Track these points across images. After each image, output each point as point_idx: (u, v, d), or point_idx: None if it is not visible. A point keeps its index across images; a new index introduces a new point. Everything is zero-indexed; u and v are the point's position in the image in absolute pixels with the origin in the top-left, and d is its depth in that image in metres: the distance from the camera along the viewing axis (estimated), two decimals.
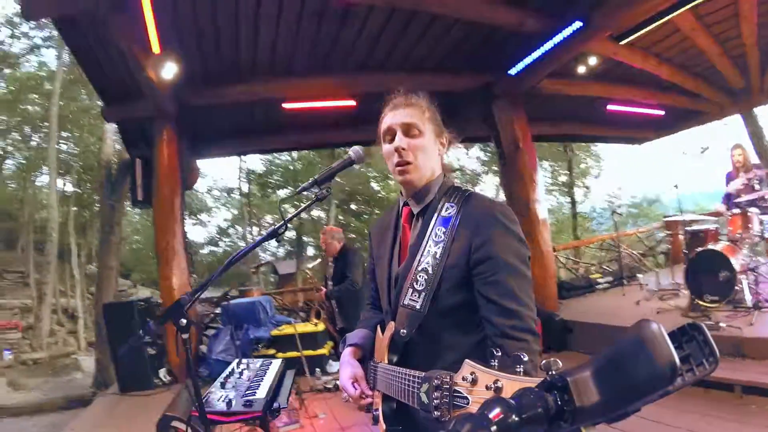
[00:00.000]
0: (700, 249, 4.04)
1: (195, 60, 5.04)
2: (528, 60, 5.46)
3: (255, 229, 24.02)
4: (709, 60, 6.55)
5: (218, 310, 6.64)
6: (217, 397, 2.08)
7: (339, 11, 4.66)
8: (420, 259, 1.11)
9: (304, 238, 22.58)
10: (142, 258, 24.32)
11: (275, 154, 20.47)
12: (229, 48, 5.06)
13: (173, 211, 5.49)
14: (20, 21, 14.08)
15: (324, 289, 4.21)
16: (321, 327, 5.39)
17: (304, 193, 1.32)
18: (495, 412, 0.53)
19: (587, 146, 18.67)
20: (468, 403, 0.68)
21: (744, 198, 4.12)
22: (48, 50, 15.60)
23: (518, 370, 0.61)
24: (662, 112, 8.06)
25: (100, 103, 7.03)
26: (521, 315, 1.02)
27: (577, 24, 4.71)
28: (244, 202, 22.70)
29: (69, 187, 17.15)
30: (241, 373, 2.45)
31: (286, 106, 6.08)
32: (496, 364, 0.66)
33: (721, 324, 3.40)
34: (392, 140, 1.19)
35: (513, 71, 5.80)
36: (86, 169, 16.42)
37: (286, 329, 5.39)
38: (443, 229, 1.11)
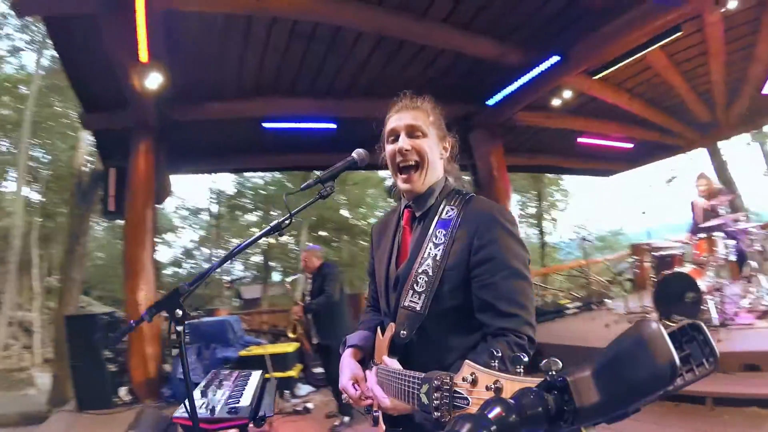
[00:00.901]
0: (667, 272, 4.18)
1: (180, 73, 5.00)
2: (507, 91, 5.69)
3: (221, 251, 23.56)
4: (678, 95, 6.96)
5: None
6: (199, 404, 1.98)
7: (328, 36, 4.76)
8: (420, 261, 1.11)
9: (271, 263, 22.16)
10: (104, 275, 23.33)
11: (247, 177, 20.34)
12: (215, 65, 5.07)
13: (145, 224, 5.35)
14: (3, 22, 13.68)
15: (301, 304, 4.17)
16: (291, 348, 5.28)
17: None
18: (495, 413, 0.52)
19: (556, 180, 19.35)
20: (468, 404, 0.67)
21: (709, 223, 4.32)
22: (27, 54, 15.17)
23: (518, 370, 0.61)
24: (631, 145, 8.46)
25: (74, 113, 6.85)
26: (518, 318, 1.02)
27: (555, 58, 4.95)
28: (212, 224, 22.22)
29: (35, 196, 16.40)
30: (220, 383, 2.36)
31: (266, 125, 6.09)
32: (496, 364, 0.66)
33: None
34: (395, 141, 1.20)
35: (491, 101, 6.02)
36: (55, 179, 15.78)
37: (255, 350, 5.24)
38: (444, 231, 1.11)
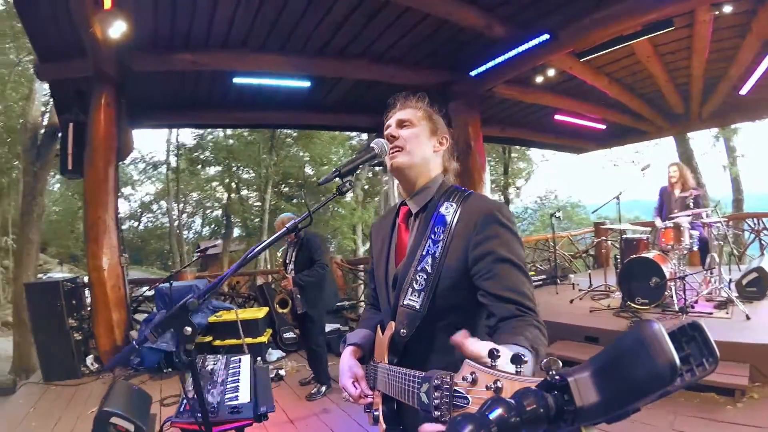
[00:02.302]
0: (634, 256, 4.38)
1: (145, 22, 4.65)
2: (491, 64, 5.61)
3: (181, 206, 23.05)
4: (656, 85, 7.11)
5: (150, 293, 6.20)
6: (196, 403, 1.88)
7: None
8: (419, 259, 1.11)
9: (232, 218, 21.89)
10: (60, 232, 22.47)
11: (208, 131, 19.66)
12: (183, 15, 4.71)
13: (107, 183, 5.09)
14: None
15: (289, 277, 3.94)
16: (261, 313, 5.22)
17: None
18: (496, 413, 0.52)
19: (521, 149, 19.61)
20: (468, 403, 0.67)
21: (678, 214, 4.49)
22: None
23: (518, 370, 0.61)
24: (603, 126, 8.65)
25: (29, 59, 6.28)
26: (523, 299, 1.02)
27: (544, 37, 4.91)
28: (171, 178, 21.54)
29: None
30: (211, 372, 2.24)
31: (237, 80, 5.81)
32: (496, 364, 0.65)
33: None
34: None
35: (474, 73, 5.94)
36: (7, 131, 14.70)
37: (225, 316, 5.17)
38: (442, 228, 1.11)
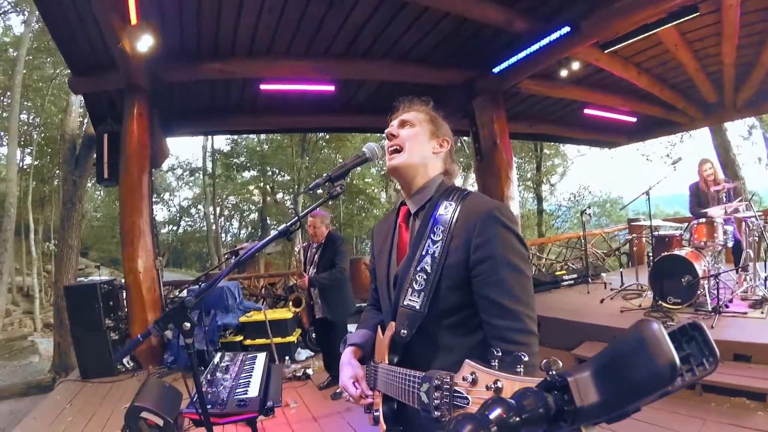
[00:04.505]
0: (666, 253, 4.22)
1: (173, 34, 4.83)
2: (513, 60, 5.52)
3: (218, 210, 23.77)
4: (687, 74, 6.81)
5: (183, 294, 6.44)
6: (208, 396, 1.99)
7: None
8: (419, 259, 1.11)
9: (268, 221, 22.36)
10: (102, 236, 23.55)
11: (241, 136, 20.15)
12: (209, 25, 4.86)
13: (141, 190, 5.28)
14: None
15: (306, 276, 3.95)
16: (290, 314, 5.25)
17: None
18: (495, 413, 0.52)
19: (555, 145, 19.16)
20: (468, 403, 0.67)
21: (710, 210, 4.31)
22: (15, 15, 14.59)
23: (518, 370, 0.61)
24: (635, 119, 8.35)
25: (66, 72, 6.63)
26: (521, 317, 1.01)
27: (566, 29, 4.79)
28: (207, 183, 22.26)
29: (28, 160, 16.23)
30: (226, 369, 2.34)
31: (264, 87, 5.92)
32: (497, 364, 0.65)
33: None
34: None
35: (497, 69, 5.86)
36: (48, 142, 15.54)
37: (255, 316, 5.30)
38: (442, 228, 1.10)
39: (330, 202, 1.32)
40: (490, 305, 1.03)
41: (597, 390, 0.51)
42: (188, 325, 1.17)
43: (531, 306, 1.04)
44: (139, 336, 1.20)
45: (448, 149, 1.27)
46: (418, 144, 1.22)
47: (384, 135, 1.30)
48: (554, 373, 0.54)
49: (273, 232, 1.29)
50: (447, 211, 1.12)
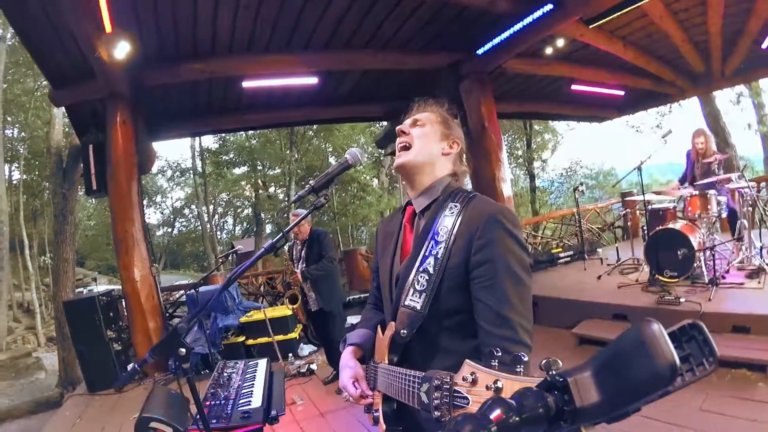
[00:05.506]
0: (660, 227, 4.22)
1: (150, 38, 4.74)
2: (496, 40, 5.47)
3: (211, 208, 23.70)
4: (673, 45, 6.76)
5: (183, 298, 6.44)
6: (212, 411, 1.98)
7: None
8: (422, 259, 1.10)
9: (262, 215, 22.33)
10: (98, 244, 23.47)
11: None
12: (186, 25, 4.77)
13: (131, 198, 5.23)
14: None
15: (298, 272, 4.06)
16: (290, 311, 5.32)
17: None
18: (495, 413, 0.52)
19: (545, 121, 19.11)
20: (468, 403, 0.67)
21: (704, 181, 4.31)
22: None
23: (518, 370, 0.61)
24: (622, 93, 8.34)
25: (46, 84, 6.49)
26: (514, 326, 1.00)
27: (548, 6, 4.73)
28: (198, 182, 22.13)
29: (16, 175, 16.04)
30: (229, 378, 2.35)
31: (246, 84, 5.86)
32: (497, 364, 0.65)
33: (681, 299, 3.59)
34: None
35: (481, 51, 5.80)
36: (35, 155, 15.34)
37: (256, 315, 5.31)
38: (446, 228, 1.10)
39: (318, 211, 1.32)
40: (485, 309, 1.02)
41: (597, 390, 0.51)
42: (183, 350, 1.19)
43: (526, 315, 1.02)
44: (136, 365, 1.20)
45: (458, 152, 1.26)
46: (427, 143, 1.22)
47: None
48: (554, 373, 0.54)
49: (260, 250, 1.30)
50: (452, 212, 1.12)
